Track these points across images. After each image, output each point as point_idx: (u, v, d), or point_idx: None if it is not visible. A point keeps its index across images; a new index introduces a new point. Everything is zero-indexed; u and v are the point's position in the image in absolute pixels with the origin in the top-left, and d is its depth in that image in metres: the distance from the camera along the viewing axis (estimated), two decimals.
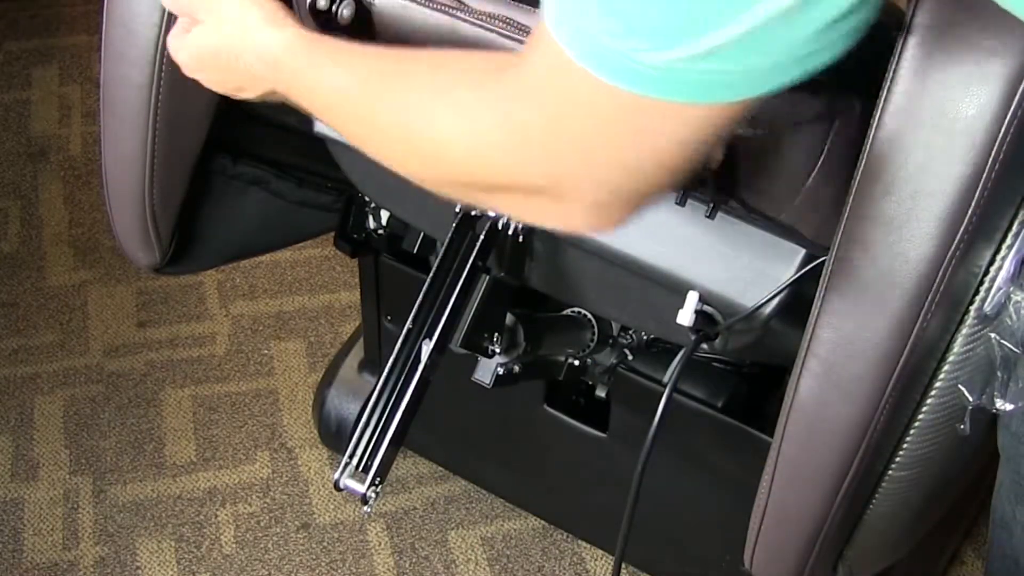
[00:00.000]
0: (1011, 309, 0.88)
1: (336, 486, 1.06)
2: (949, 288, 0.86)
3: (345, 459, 1.06)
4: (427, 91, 0.78)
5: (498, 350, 1.22)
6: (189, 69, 0.99)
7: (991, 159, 0.81)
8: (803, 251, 1.04)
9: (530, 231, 1.17)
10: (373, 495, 1.06)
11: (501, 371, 1.27)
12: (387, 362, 1.11)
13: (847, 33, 0.63)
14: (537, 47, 0.68)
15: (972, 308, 0.89)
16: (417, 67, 0.81)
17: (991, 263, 0.88)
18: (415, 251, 1.46)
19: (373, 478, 1.06)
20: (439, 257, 1.15)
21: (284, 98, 0.92)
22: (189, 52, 0.97)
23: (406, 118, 0.79)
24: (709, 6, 0.60)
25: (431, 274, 1.14)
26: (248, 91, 0.96)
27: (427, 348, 1.10)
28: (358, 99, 0.84)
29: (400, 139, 0.80)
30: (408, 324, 1.12)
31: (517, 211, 0.80)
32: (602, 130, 0.67)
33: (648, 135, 0.66)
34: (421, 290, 1.14)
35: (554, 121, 0.68)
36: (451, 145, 0.75)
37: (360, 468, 1.07)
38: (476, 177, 0.75)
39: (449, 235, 1.16)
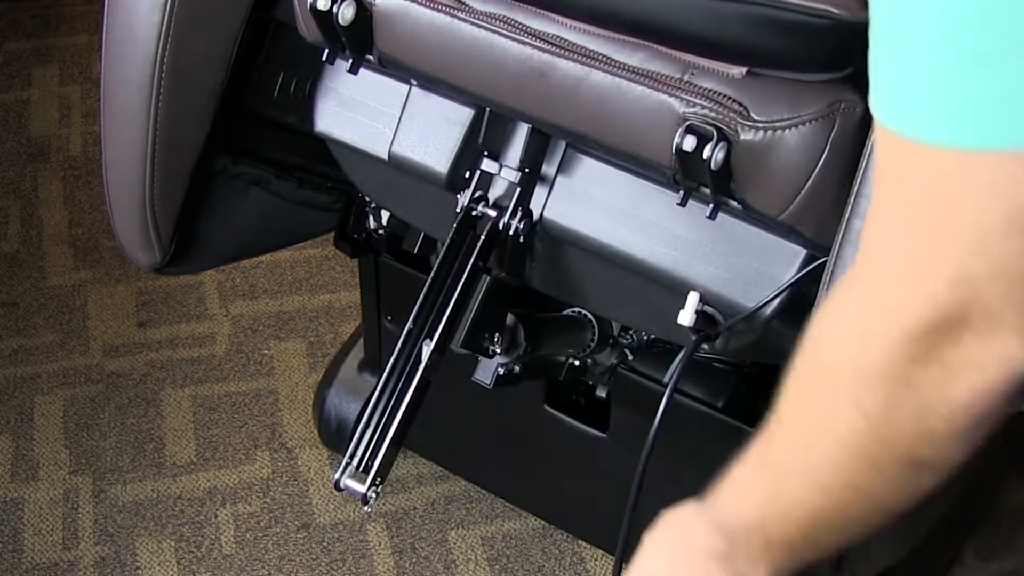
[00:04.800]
0: None
1: (336, 486, 1.06)
2: None
3: (345, 459, 1.06)
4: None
5: (499, 350, 1.22)
6: None
7: None
8: (804, 251, 1.04)
9: (531, 231, 1.17)
10: (373, 495, 1.06)
11: (502, 371, 1.27)
12: (387, 362, 1.10)
13: None
14: (882, 178, 0.60)
15: None
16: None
17: None
18: (415, 251, 1.46)
19: (374, 478, 1.05)
20: (440, 257, 1.15)
21: None
22: None
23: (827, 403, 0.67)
24: None
25: (432, 274, 1.14)
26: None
27: (427, 348, 1.10)
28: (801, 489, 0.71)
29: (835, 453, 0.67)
30: (408, 324, 1.12)
31: (937, 389, 0.61)
32: (982, 202, 0.55)
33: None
34: (421, 290, 1.14)
35: (937, 218, 0.56)
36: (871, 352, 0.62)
37: (360, 468, 1.06)
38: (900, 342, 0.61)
39: (450, 235, 1.16)
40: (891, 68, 0.58)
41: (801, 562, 0.76)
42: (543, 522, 1.73)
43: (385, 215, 1.48)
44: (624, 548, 1.17)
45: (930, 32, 0.54)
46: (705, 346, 1.11)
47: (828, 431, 0.66)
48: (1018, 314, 0.56)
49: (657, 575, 0.81)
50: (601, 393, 1.48)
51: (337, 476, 1.06)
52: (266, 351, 1.97)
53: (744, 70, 0.93)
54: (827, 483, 0.68)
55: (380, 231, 1.50)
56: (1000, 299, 0.55)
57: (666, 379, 1.34)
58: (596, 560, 1.70)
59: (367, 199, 1.44)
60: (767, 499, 0.74)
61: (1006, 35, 0.52)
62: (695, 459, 1.41)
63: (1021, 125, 0.53)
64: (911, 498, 0.67)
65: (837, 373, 0.65)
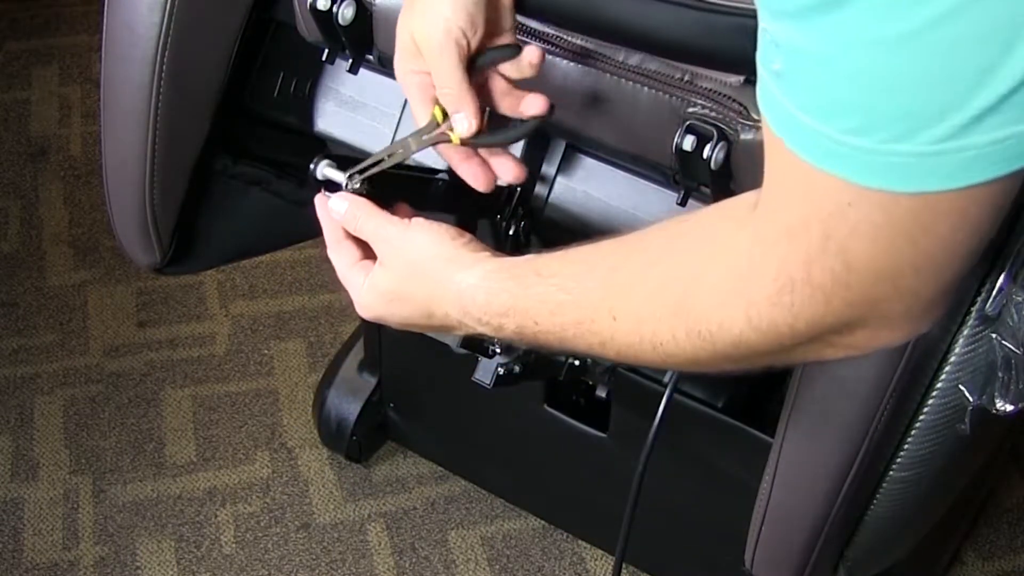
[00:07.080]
0: (1012, 310, 0.88)
1: (312, 176, 0.92)
2: None
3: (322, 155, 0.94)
4: (678, 254, 0.69)
5: (498, 350, 1.22)
6: (369, 313, 0.89)
7: None
8: None
9: (530, 232, 1.17)
10: (356, 184, 0.92)
11: (501, 371, 1.27)
12: None
13: None
14: (778, 177, 0.59)
15: (973, 309, 0.89)
16: (648, 240, 0.72)
17: (992, 264, 0.88)
18: None
19: (352, 173, 0.91)
20: None
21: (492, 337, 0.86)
22: (370, 299, 0.88)
23: (666, 289, 0.68)
24: (966, 63, 0.48)
25: None
26: (452, 331, 0.87)
27: None
28: (594, 299, 0.72)
29: (663, 316, 0.68)
30: None
31: (812, 355, 0.66)
32: (886, 243, 0.56)
33: (936, 232, 0.56)
34: None
35: (834, 251, 0.58)
36: (730, 306, 0.64)
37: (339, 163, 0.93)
38: (770, 336, 0.64)
39: None
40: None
41: None
42: (543, 522, 1.73)
43: None
44: (624, 548, 1.17)
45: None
46: None
47: (673, 346, 0.68)
48: (906, 318, 0.61)
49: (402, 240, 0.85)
50: (601, 393, 1.48)
51: (313, 166, 0.92)
52: (266, 351, 1.97)
53: (741, 79, 0.93)
54: (640, 356, 0.71)
55: None
56: (897, 313, 0.61)
57: (666, 379, 1.34)
58: (596, 560, 1.70)
59: None
60: (568, 321, 0.75)
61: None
62: (695, 459, 1.42)
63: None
64: None
65: (716, 340, 0.66)
